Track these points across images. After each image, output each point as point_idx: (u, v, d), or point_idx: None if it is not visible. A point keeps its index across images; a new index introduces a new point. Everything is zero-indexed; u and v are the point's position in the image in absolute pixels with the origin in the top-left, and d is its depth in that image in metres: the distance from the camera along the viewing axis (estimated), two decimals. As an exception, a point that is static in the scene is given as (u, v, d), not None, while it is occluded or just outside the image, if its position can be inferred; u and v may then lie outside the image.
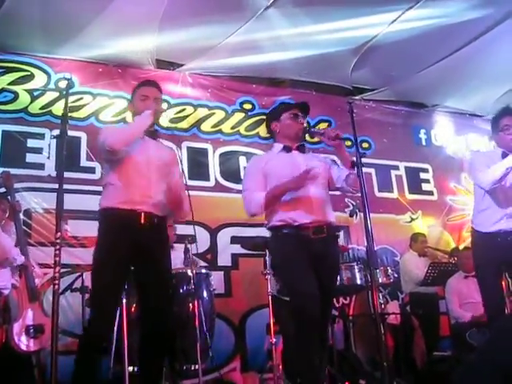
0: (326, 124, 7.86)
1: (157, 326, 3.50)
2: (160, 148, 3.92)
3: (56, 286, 2.28)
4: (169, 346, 3.52)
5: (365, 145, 8.09)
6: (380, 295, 6.05)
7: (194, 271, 4.68)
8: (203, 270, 5.21)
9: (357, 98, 8.26)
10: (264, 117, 7.40)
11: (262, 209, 3.74)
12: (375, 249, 7.11)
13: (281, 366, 4.86)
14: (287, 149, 3.87)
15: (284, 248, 3.71)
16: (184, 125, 7.11)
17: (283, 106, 4.07)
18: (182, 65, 7.21)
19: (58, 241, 2.37)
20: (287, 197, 3.69)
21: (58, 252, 2.34)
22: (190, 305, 4.64)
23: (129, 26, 6.13)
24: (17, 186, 5.71)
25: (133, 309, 4.40)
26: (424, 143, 8.79)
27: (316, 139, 6.43)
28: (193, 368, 4.57)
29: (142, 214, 3.49)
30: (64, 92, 6.27)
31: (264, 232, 4.10)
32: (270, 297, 4.80)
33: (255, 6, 5.97)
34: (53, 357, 2.26)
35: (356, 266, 5.31)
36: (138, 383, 3.85)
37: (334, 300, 5.17)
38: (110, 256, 3.42)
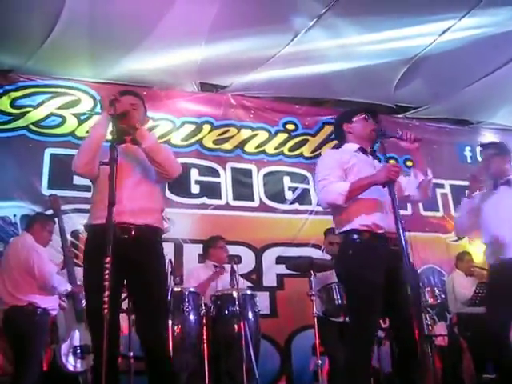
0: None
1: (144, 339, 3.25)
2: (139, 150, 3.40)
3: (106, 311, 2.30)
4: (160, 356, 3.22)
5: (409, 163, 8.00)
6: (427, 316, 5.93)
7: (240, 292, 4.68)
8: (248, 291, 5.18)
9: (400, 116, 8.20)
10: (307, 137, 7.57)
11: (343, 199, 3.34)
12: (422, 268, 7.12)
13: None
14: (363, 150, 3.65)
15: (363, 260, 3.33)
16: (228, 146, 7.19)
17: (354, 110, 3.86)
18: (224, 87, 7.29)
19: (107, 265, 2.39)
20: (368, 197, 3.40)
21: (107, 277, 2.36)
22: (236, 326, 4.64)
23: (172, 50, 6.25)
24: (65, 207, 5.84)
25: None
26: (469, 161, 8.65)
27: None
28: (238, 389, 4.55)
29: (116, 226, 2.99)
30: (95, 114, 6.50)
31: (309, 252, 4.01)
32: (315, 318, 4.76)
33: (300, 24, 6.01)
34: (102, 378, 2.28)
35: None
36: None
37: (381, 320, 5.03)
38: (93, 276, 3.07)
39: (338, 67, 6.85)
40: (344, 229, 3.45)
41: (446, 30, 6.28)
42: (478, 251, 7.79)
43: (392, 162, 7.57)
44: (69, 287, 4.97)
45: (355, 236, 3.39)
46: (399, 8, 5.80)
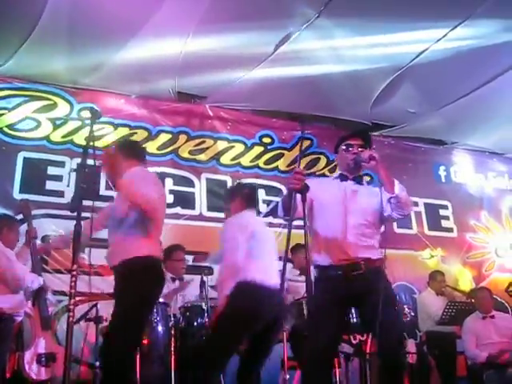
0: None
1: None
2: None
3: (71, 318, 2.26)
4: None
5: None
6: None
7: (209, 304, 4.65)
8: (217, 303, 5.12)
9: (376, 134, 8.25)
10: (283, 151, 7.59)
11: (280, 211, 3.52)
12: (394, 285, 7.14)
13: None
14: (342, 177, 3.72)
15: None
16: (203, 157, 7.19)
17: (339, 140, 3.86)
18: (202, 97, 7.28)
19: (74, 272, 2.36)
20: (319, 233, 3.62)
21: (73, 284, 2.33)
22: (205, 337, 4.60)
23: (151, 57, 6.20)
24: (36, 212, 5.79)
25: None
26: (444, 180, 8.77)
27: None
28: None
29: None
30: (87, 122, 6.46)
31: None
32: (284, 333, 4.75)
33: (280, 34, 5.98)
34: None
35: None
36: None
37: (351, 337, 5.06)
38: None
39: (316, 78, 6.78)
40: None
41: (437, 40, 6.15)
42: (451, 269, 7.91)
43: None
44: (41, 280, 4.92)
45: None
46: (382, 16, 5.71)
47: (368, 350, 6.57)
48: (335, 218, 3.52)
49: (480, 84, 6.95)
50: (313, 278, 3.41)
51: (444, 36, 6.02)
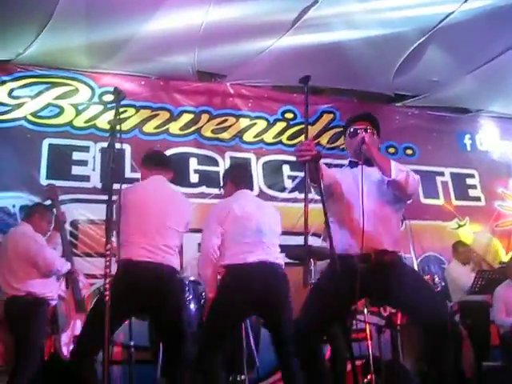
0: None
1: None
2: None
3: (107, 298, 2.28)
4: None
5: (409, 151, 8.02)
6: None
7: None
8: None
9: (399, 104, 8.18)
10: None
11: None
12: (421, 256, 7.13)
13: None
14: (352, 164, 3.63)
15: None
16: (226, 135, 7.19)
17: (346, 123, 3.82)
18: (223, 76, 7.26)
19: (108, 252, 2.37)
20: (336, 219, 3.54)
21: (108, 263, 2.35)
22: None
23: (170, 39, 6.17)
24: (63, 197, 5.85)
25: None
26: (469, 148, 8.65)
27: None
28: (239, 378, 4.54)
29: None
30: (107, 105, 6.48)
31: (309, 240, 3.96)
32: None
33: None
34: (104, 366, 2.27)
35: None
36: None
37: (382, 309, 5.05)
38: None
39: (337, 53, 6.68)
40: None
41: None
42: (479, 239, 7.84)
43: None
44: (69, 265, 5.00)
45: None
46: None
47: (399, 322, 6.60)
48: (350, 206, 3.43)
49: (504, 49, 6.80)
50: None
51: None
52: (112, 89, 6.54)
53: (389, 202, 3.46)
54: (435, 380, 3.36)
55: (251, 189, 4.61)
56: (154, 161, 4.32)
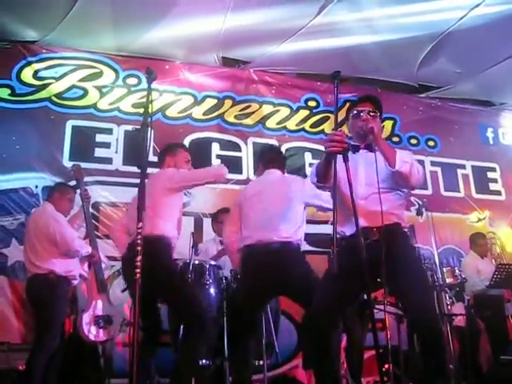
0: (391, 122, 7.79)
1: None
2: None
3: (138, 275, 2.29)
4: None
5: (431, 143, 7.98)
6: (446, 296, 5.90)
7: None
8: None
9: (423, 95, 8.12)
10: (329, 114, 7.51)
11: (315, 178, 3.38)
12: (441, 249, 7.08)
13: (344, 364, 4.81)
14: (354, 148, 3.54)
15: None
16: (249, 121, 7.19)
17: (350, 104, 3.76)
18: (246, 62, 7.25)
19: (140, 230, 2.38)
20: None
21: (139, 241, 2.36)
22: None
23: (195, 22, 6.18)
24: (86, 179, 5.86)
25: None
26: (491, 142, 8.58)
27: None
28: (257, 364, 4.55)
29: None
30: (131, 88, 6.49)
31: (329, 228, 3.94)
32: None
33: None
34: (133, 348, 2.28)
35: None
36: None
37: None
38: None
39: (361, 42, 6.71)
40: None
41: (476, 5, 6.11)
42: (499, 232, 7.78)
43: (396, 139, 7.56)
44: (89, 249, 5.01)
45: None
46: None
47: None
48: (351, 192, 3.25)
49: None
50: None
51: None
52: (137, 72, 6.68)
53: (391, 187, 3.44)
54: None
55: (282, 169, 4.54)
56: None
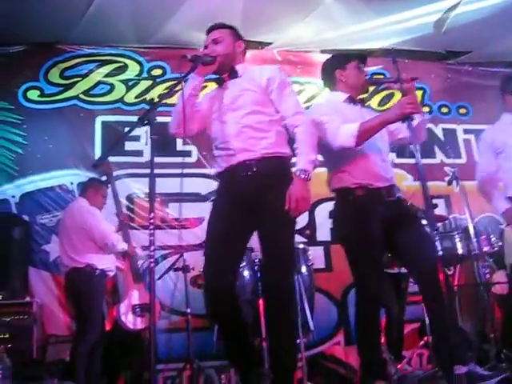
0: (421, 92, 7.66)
1: None
2: None
3: (152, 264, 2.37)
4: None
5: (462, 110, 7.80)
6: (485, 264, 5.81)
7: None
8: (300, 246, 5.14)
9: (451, 62, 7.95)
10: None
11: (354, 140, 3.24)
12: (478, 217, 6.95)
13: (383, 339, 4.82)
14: (352, 100, 3.59)
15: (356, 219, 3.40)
16: (276, 101, 7.12)
17: (347, 55, 3.82)
18: (269, 43, 7.20)
19: (152, 221, 2.46)
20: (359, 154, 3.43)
21: (152, 232, 2.44)
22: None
23: (214, 8, 6.17)
24: (118, 173, 6.05)
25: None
26: (527, 105, 8.33)
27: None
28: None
29: None
30: (156, 80, 6.52)
31: None
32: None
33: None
34: (151, 334, 2.37)
35: (457, 236, 5.17)
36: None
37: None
38: None
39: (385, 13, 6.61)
40: (336, 186, 3.54)
41: None
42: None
43: (426, 109, 7.42)
44: (125, 246, 5.13)
45: (347, 194, 3.43)
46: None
47: (456, 283, 6.51)
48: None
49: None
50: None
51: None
52: (161, 63, 6.70)
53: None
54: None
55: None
56: None
